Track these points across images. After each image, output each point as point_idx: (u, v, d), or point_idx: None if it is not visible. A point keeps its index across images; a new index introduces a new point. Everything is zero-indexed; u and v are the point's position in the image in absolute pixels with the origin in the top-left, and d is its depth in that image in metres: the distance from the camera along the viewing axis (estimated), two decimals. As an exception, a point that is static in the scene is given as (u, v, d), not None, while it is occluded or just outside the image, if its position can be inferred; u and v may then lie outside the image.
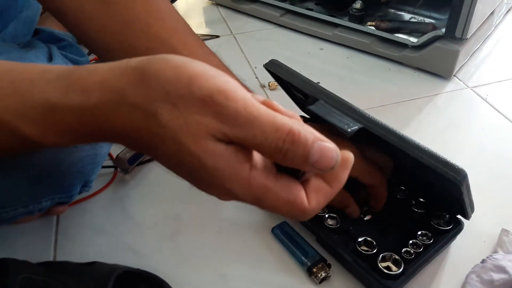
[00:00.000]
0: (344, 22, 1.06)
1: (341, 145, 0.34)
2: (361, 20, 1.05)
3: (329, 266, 0.57)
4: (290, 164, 0.32)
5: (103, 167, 0.70)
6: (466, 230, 0.58)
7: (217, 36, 1.15)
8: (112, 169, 0.73)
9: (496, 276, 0.53)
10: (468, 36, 0.90)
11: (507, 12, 1.19)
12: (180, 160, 0.32)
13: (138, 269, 0.52)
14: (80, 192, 0.59)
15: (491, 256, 0.57)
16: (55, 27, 0.79)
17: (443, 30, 0.93)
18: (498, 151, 0.77)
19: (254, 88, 0.94)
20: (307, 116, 0.66)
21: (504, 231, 0.60)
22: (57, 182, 0.54)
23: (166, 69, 0.31)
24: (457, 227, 0.58)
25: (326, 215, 0.60)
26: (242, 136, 0.30)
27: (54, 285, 0.45)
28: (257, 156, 0.33)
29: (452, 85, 0.94)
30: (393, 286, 0.52)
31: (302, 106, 0.70)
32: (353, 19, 1.05)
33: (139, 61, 0.32)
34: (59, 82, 0.33)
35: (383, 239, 0.57)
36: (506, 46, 1.08)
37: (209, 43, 1.12)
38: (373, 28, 1.02)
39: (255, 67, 1.00)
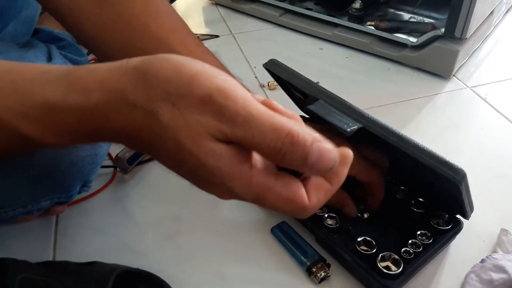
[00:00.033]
0: (344, 22, 1.06)
1: (340, 145, 0.35)
2: (361, 20, 1.05)
3: (328, 266, 0.57)
4: (289, 166, 0.32)
5: (103, 167, 0.70)
6: (466, 230, 0.58)
7: (217, 36, 1.15)
8: (111, 169, 0.73)
9: (496, 276, 0.53)
10: (468, 36, 0.90)
11: (507, 12, 1.19)
12: (181, 160, 0.32)
13: (137, 269, 0.52)
14: (79, 192, 0.59)
15: (490, 256, 0.57)
16: (54, 27, 0.79)
17: (443, 30, 0.93)
18: (498, 151, 0.77)
19: (253, 88, 0.94)
20: (307, 116, 0.66)
21: (503, 231, 0.60)
22: (56, 182, 0.54)
23: (166, 68, 0.31)
24: (457, 227, 0.58)
25: (326, 215, 0.60)
26: (241, 135, 0.30)
27: (53, 285, 0.45)
28: (257, 155, 0.33)
29: (451, 85, 0.94)
30: (392, 285, 0.52)
31: (301, 106, 0.70)
32: (352, 19, 1.05)
33: (139, 61, 0.32)
34: (59, 82, 0.33)
35: (383, 238, 0.57)
36: (505, 46, 1.08)
37: (209, 43, 1.12)
38: (372, 28, 1.02)
39: (255, 67, 1.00)
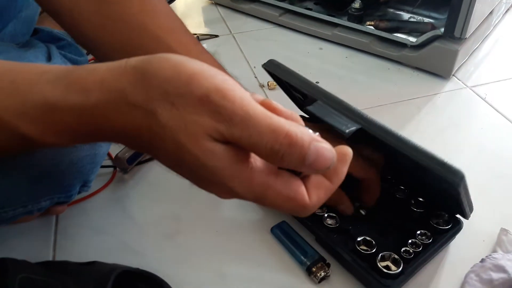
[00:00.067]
0: (343, 21, 1.06)
1: (339, 143, 0.35)
2: (360, 20, 1.05)
3: (328, 265, 0.57)
4: (287, 166, 0.32)
5: (102, 166, 0.70)
6: (465, 230, 0.58)
7: (216, 36, 1.15)
8: (111, 169, 0.73)
9: (495, 276, 0.53)
10: (467, 35, 0.90)
11: (506, 11, 1.19)
12: (180, 159, 0.32)
13: (137, 269, 0.52)
14: (79, 192, 0.59)
15: (490, 255, 0.57)
16: (54, 27, 0.79)
17: (442, 29, 0.93)
18: (497, 150, 0.77)
19: (253, 87, 0.94)
20: (306, 116, 0.66)
21: (503, 231, 0.60)
22: (56, 182, 0.54)
23: (165, 68, 0.31)
24: (456, 227, 0.58)
25: (325, 215, 0.60)
26: (238, 135, 0.30)
27: (53, 284, 0.45)
28: None
29: (451, 84, 0.95)
30: (392, 285, 0.52)
31: (301, 106, 0.70)
32: (352, 18, 1.05)
33: (139, 61, 0.32)
34: (59, 82, 0.33)
35: (383, 238, 0.57)
36: (505, 45, 1.08)
37: (208, 43, 1.12)
38: (372, 27, 1.02)
39: (254, 67, 1.00)
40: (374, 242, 0.56)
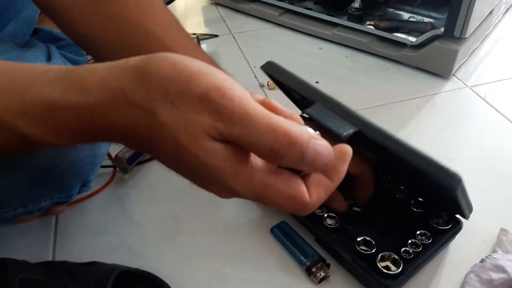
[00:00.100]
0: (343, 21, 1.06)
1: (337, 143, 0.35)
2: (360, 20, 1.05)
3: (328, 265, 0.57)
4: (286, 165, 0.32)
5: (102, 166, 0.70)
6: (465, 230, 0.58)
7: (216, 36, 1.15)
8: (111, 169, 0.73)
9: (495, 276, 0.53)
10: (467, 35, 0.90)
11: (506, 11, 1.19)
12: (180, 159, 0.32)
13: (137, 269, 0.52)
14: (79, 192, 0.59)
15: (490, 255, 0.57)
16: (54, 27, 0.79)
17: (442, 29, 0.93)
18: (497, 150, 0.77)
19: (253, 87, 0.94)
20: (307, 116, 0.66)
21: (503, 231, 0.60)
22: (56, 182, 0.54)
23: (165, 67, 0.31)
24: (456, 227, 0.58)
25: (325, 215, 0.60)
26: (237, 134, 0.30)
27: (53, 285, 0.45)
28: None
29: (451, 84, 0.95)
30: (392, 285, 0.52)
31: (301, 107, 0.70)
32: (352, 18, 1.05)
33: (138, 60, 0.32)
34: (58, 82, 0.33)
35: (382, 238, 0.57)
36: (505, 45, 1.08)
37: (208, 43, 1.12)
38: (372, 27, 1.02)
39: (254, 67, 1.00)
40: (374, 242, 0.56)
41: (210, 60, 0.57)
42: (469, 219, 0.58)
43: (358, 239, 0.56)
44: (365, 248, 0.55)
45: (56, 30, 0.76)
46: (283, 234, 0.61)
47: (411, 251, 0.55)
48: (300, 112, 0.69)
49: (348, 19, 1.06)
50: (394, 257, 0.54)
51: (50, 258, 0.60)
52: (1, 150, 0.37)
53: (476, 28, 0.95)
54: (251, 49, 1.08)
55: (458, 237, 0.58)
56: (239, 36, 1.14)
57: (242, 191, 0.32)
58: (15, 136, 0.34)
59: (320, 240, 0.60)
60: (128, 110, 0.31)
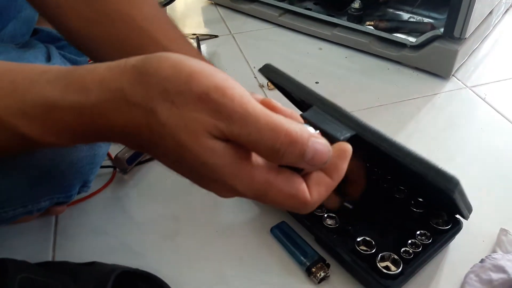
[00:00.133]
0: (343, 21, 1.06)
1: None
2: (360, 20, 1.05)
3: (328, 266, 0.57)
4: (286, 163, 0.32)
5: (102, 167, 0.70)
6: (465, 230, 0.59)
7: (216, 36, 1.15)
8: (111, 169, 0.73)
9: (495, 276, 0.53)
10: (467, 35, 0.90)
11: (506, 11, 1.19)
12: (180, 158, 0.32)
13: (137, 269, 0.52)
14: (79, 192, 0.59)
15: (490, 255, 0.57)
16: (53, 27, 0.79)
17: (442, 29, 0.93)
18: (497, 150, 0.77)
19: (252, 88, 0.94)
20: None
21: (503, 231, 0.60)
22: (56, 182, 0.54)
23: (165, 67, 0.31)
24: (456, 227, 0.58)
25: (325, 215, 0.60)
26: (237, 133, 0.30)
27: (53, 285, 0.45)
28: None
29: (450, 84, 0.95)
30: (392, 286, 0.52)
31: (301, 108, 0.70)
32: (351, 18, 1.05)
33: (138, 60, 0.32)
34: (58, 82, 0.33)
35: (382, 239, 0.57)
36: (504, 45, 1.08)
37: (208, 43, 1.12)
38: (371, 27, 1.02)
39: (254, 67, 1.00)
40: (373, 243, 0.56)
41: (200, 56, 0.56)
42: (469, 219, 0.58)
43: (358, 239, 0.56)
44: (365, 248, 0.55)
45: (55, 30, 0.76)
46: (283, 234, 0.61)
47: (411, 251, 0.55)
48: (300, 112, 0.69)
49: (348, 20, 1.06)
50: (394, 257, 0.54)
51: (50, 258, 0.60)
52: (1, 150, 0.37)
53: (476, 29, 0.95)
54: (251, 49, 1.08)
55: (458, 237, 0.59)
56: (239, 37, 1.14)
57: (243, 190, 0.33)
58: (15, 136, 0.34)
59: (320, 240, 0.60)
60: (128, 110, 0.31)
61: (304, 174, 0.34)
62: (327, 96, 0.55)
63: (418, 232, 0.57)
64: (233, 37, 1.15)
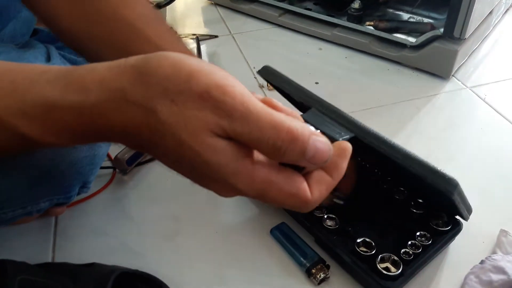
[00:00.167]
0: (343, 22, 1.06)
1: None
2: (360, 20, 1.05)
3: (328, 267, 0.57)
4: (287, 161, 0.32)
5: (102, 168, 0.70)
6: (465, 231, 0.58)
7: (216, 36, 1.15)
8: (110, 170, 0.73)
9: (495, 277, 0.53)
10: (467, 36, 0.90)
11: (506, 11, 1.19)
12: (181, 157, 0.32)
13: (136, 270, 0.52)
14: (78, 193, 0.59)
15: (490, 257, 0.57)
16: (53, 27, 0.79)
17: (442, 30, 0.93)
18: (497, 151, 0.77)
19: (252, 88, 0.94)
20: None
21: (503, 232, 0.60)
22: (55, 183, 0.54)
23: (164, 66, 0.31)
24: (456, 228, 0.58)
25: (325, 216, 0.60)
26: (239, 130, 0.30)
27: (53, 286, 0.45)
28: None
29: (450, 85, 0.95)
30: (392, 287, 0.52)
31: (301, 109, 0.70)
32: (351, 19, 1.05)
33: (137, 59, 0.32)
34: (58, 82, 0.33)
35: (382, 240, 0.57)
36: (504, 46, 1.08)
37: (208, 43, 1.12)
38: (371, 28, 1.02)
39: (254, 67, 1.00)
40: (373, 244, 0.56)
41: (191, 53, 0.56)
42: (468, 220, 0.58)
43: (358, 240, 0.56)
44: (365, 249, 0.55)
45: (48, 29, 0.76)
46: (283, 235, 0.61)
47: (411, 252, 0.55)
48: (300, 113, 0.69)
49: (348, 20, 1.06)
50: (394, 259, 0.54)
51: (49, 260, 0.60)
52: (1, 150, 0.37)
53: (475, 29, 0.95)
54: (250, 49, 1.08)
55: (458, 238, 0.59)
56: (239, 37, 1.14)
57: (244, 188, 0.32)
58: (15, 136, 0.34)
59: (320, 241, 0.60)
60: (128, 109, 0.31)
61: (305, 173, 0.34)
62: (327, 96, 0.55)
63: (418, 233, 0.57)
64: (233, 37, 1.15)
